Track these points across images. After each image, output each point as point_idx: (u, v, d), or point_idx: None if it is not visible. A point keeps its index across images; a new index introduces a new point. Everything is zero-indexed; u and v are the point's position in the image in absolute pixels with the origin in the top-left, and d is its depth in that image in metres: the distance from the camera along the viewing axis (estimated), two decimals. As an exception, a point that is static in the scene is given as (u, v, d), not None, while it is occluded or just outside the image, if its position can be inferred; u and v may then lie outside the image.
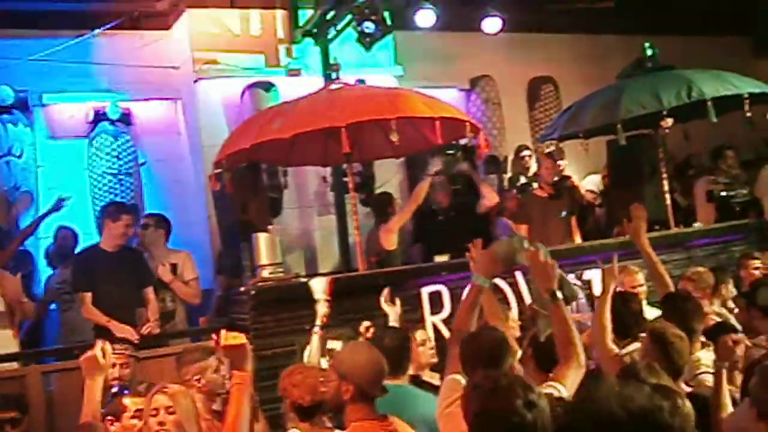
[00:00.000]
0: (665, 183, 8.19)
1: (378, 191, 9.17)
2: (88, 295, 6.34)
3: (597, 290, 6.90)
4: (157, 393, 3.85)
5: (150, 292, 6.60)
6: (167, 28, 9.30)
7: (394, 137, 5.81)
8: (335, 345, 5.18)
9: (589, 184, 10.00)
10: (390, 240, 7.80)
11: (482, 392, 2.72)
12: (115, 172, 8.95)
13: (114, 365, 5.21)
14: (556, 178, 8.33)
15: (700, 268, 6.48)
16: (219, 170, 6.49)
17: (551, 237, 7.73)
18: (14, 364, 6.24)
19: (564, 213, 8.06)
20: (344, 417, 3.69)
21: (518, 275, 6.79)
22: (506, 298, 6.67)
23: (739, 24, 11.90)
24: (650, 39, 8.54)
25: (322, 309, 5.28)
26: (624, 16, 10.54)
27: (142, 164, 9.17)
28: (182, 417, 3.78)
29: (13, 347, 6.42)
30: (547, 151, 8.64)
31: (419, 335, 5.45)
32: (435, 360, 5.40)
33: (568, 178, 9.04)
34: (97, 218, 8.40)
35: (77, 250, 7.64)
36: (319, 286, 5.38)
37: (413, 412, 4.13)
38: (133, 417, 4.15)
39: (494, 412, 2.63)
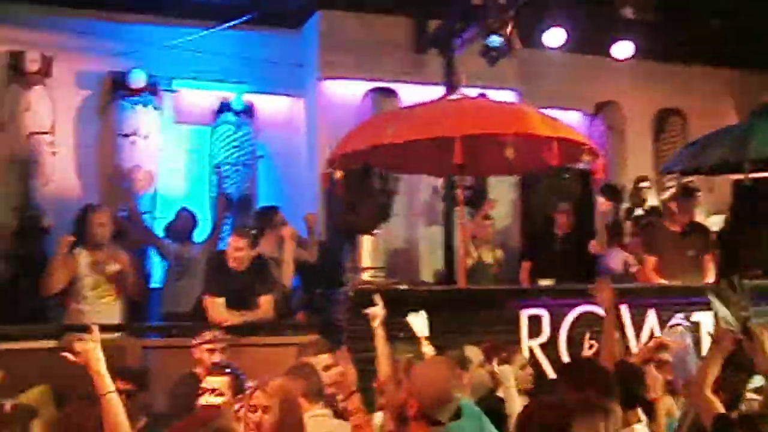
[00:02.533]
0: (791, 230, 7.79)
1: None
2: (219, 301, 6.37)
3: (705, 333, 6.67)
4: (258, 389, 3.84)
5: (265, 301, 6.52)
6: (297, 26, 9.47)
7: (509, 153, 5.72)
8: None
9: (713, 224, 9.61)
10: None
11: None
12: (234, 161, 9.16)
13: (213, 351, 5.35)
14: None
15: None
16: (330, 170, 6.54)
17: (678, 274, 7.48)
18: (116, 335, 6.43)
19: (694, 252, 7.73)
20: None
21: (622, 308, 6.58)
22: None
23: None
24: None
25: (425, 348, 5.14)
26: (762, 50, 10.10)
27: (260, 157, 9.35)
28: (279, 416, 3.74)
29: (118, 320, 6.63)
30: (690, 185, 8.32)
31: (519, 359, 5.34)
32: (531, 386, 5.27)
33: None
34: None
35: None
36: (418, 325, 5.27)
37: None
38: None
39: None
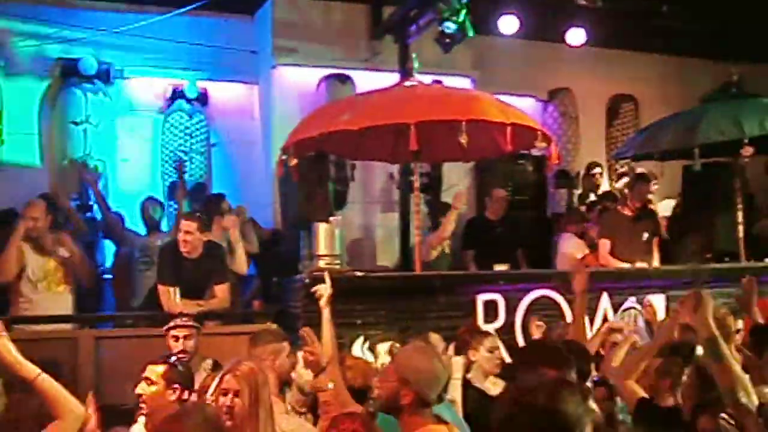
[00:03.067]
0: (739, 214, 7.96)
1: (444, 194, 9.10)
2: (173, 290, 6.23)
3: (659, 316, 6.78)
4: (227, 373, 3.82)
5: (220, 290, 6.40)
6: (251, 12, 9.39)
7: (463, 139, 5.73)
8: (384, 347, 5.16)
9: (664, 209, 9.75)
10: (429, 254, 7.81)
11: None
12: (187, 149, 9.09)
13: (177, 338, 5.31)
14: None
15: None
16: (285, 156, 6.50)
17: (633, 257, 7.62)
18: (69, 327, 6.33)
19: (647, 235, 7.87)
20: (401, 421, 3.55)
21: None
22: (562, 313, 6.56)
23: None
24: (737, 65, 8.31)
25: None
26: (711, 40, 10.26)
27: (213, 145, 9.28)
28: (249, 399, 3.72)
29: (70, 310, 6.52)
30: (639, 171, 8.43)
31: (489, 342, 5.35)
32: (498, 370, 5.30)
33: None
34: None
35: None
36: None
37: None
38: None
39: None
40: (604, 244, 7.77)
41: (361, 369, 4.16)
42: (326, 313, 4.97)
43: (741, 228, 7.94)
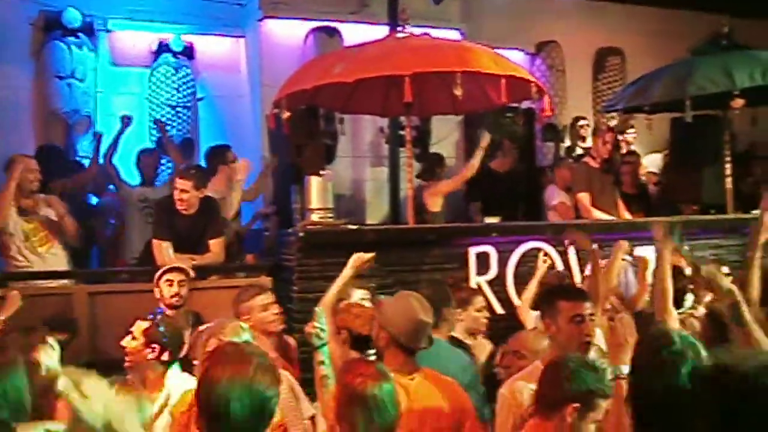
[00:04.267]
0: (728, 167, 8.00)
1: (433, 148, 9.10)
2: (166, 245, 6.20)
3: (650, 267, 6.83)
4: (213, 337, 3.85)
5: (214, 244, 6.38)
6: (237, -37, 9.28)
7: (458, 91, 5.70)
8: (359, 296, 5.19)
9: (650, 164, 9.80)
10: (435, 202, 7.85)
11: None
12: (174, 104, 9.01)
13: (171, 283, 5.32)
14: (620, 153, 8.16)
15: None
16: (277, 110, 6.46)
17: (605, 209, 7.67)
18: (65, 282, 6.31)
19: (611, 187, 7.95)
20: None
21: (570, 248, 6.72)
22: (554, 266, 6.60)
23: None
24: (726, 18, 8.30)
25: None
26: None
27: (200, 99, 9.21)
28: None
29: (64, 266, 6.50)
30: (611, 123, 8.46)
31: (479, 301, 5.40)
32: (483, 329, 5.36)
33: (634, 153, 8.89)
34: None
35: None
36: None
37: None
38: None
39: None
40: (584, 197, 7.79)
41: (368, 317, 4.22)
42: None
43: (729, 180, 7.99)
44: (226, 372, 2.48)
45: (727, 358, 2.18)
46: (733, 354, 2.13)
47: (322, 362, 3.81)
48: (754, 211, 7.93)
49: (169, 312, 5.16)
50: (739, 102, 7.27)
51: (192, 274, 5.66)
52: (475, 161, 7.92)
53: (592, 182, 7.84)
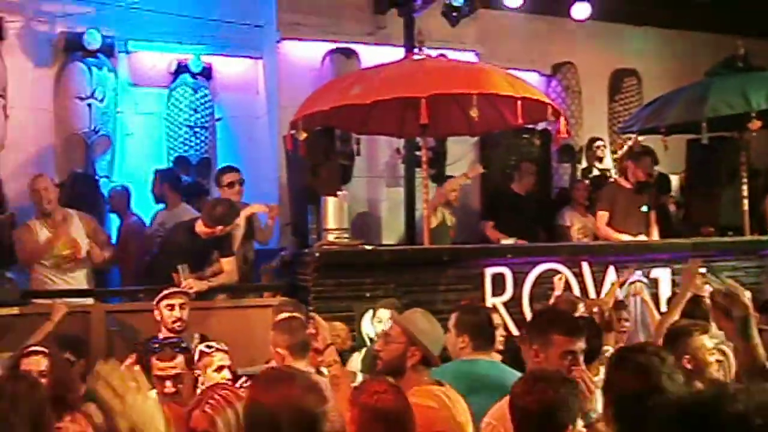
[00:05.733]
0: (744, 188, 7.99)
1: (448, 169, 9.13)
2: (181, 267, 6.15)
3: (664, 289, 6.83)
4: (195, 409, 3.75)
5: (226, 263, 6.42)
6: (255, -15, 9.36)
7: (474, 113, 5.75)
8: (385, 313, 5.22)
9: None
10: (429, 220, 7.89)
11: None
12: (192, 124, 9.06)
13: (172, 307, 5.35)
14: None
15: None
16: (293, 131, 6.51)
17: (631, 229, 7.68)
18: (84, 301, 6.37)
19: (646, 207, 7.93)
20: (403, 382, 3.69)
21: (584, 265, 6.71)
22: (570, 287, 6.60)
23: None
24: (742, 39, 8.30)
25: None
26: (716, 14, 10.24)
27: (218, 120, 9.27)
28: None
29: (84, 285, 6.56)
30: (643, 146, 8.47)
31: (495, 319, 5.38)
32: (501, 347, 5.33)
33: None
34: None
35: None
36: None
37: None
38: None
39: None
40: (602, 216, 7.81)
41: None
42: None
43: (746, 202, 7.97)
44: (273, 394, 2.44)
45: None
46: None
47: (335, 361, 3.86)
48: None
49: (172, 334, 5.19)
50: (756, 124, 7.26)
51: (193, 295, 5.67)
52: (455, 184, 8.08)
53: (617, 201, 7.83)
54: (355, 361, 5.41)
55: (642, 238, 7.72)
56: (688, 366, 4.01)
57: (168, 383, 4.23)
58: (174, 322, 5.40)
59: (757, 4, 9.71)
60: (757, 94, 7.13)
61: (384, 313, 5.41)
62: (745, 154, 8.11)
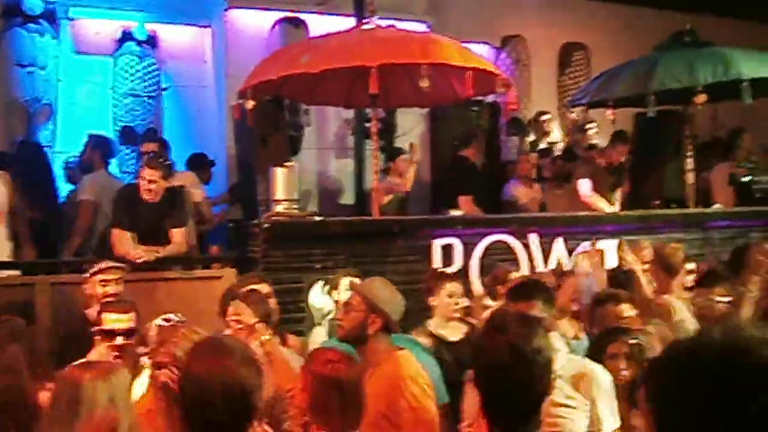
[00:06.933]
0: (689, 161, 8.10)
1: (398, 140, 9.10)
2: (128, 235, 6.06)
3: (610, 260, 6.91)
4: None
5: (177, 233, 6.23)
6: (203, -48, 9.19)
7: (425, 83, 5.71)
8: (345, 281, 5.18)
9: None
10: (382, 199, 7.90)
11: (487, 324, 2.66)
12: (137, 93, 8.90)
13: (107, 282, 5.19)
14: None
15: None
16: (241, 100, 6.41)
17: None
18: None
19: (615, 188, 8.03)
20: (366, 350, 3.79)
21: (532, 237, 6.75)
22: (517, 258, 6.64)
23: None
24: (688, 15, 8.40)
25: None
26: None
27: (165, 89, 9.11)
28: None
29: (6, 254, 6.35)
30: (573, 117, 8.52)
31: (450, 287, 5.31)
32: (456, 315, 5.33)
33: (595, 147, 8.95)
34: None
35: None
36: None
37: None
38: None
39: (479, 345, 2.58)
40: (586, 183, 7.79)
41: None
42: None
43: (691, 175, 8.09)
44: (207, 365, 2.46)
45: None
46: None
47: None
48: (716, 206, 8.10)
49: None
50: (701, 98, 7.34)
51: (127, 268, 5.51)
52: (410, 175, 8.09)
53: (594, 178, 7.86)
54: (318, 334, 5.38)
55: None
56: None
57: (119, 338, 4.14)
58: (106, 297, 5.19)
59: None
60: (704, 69, 7.22)
61: (344, 282, 5.35)
62: (690, 127, 8.22)
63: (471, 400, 3.75)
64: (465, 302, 5.31)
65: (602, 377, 3.56)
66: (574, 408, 3.42)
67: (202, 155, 8.13)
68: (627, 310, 4.39)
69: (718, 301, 4.87)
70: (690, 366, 1.53)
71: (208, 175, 8.08)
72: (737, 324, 2.49)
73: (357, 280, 4.95)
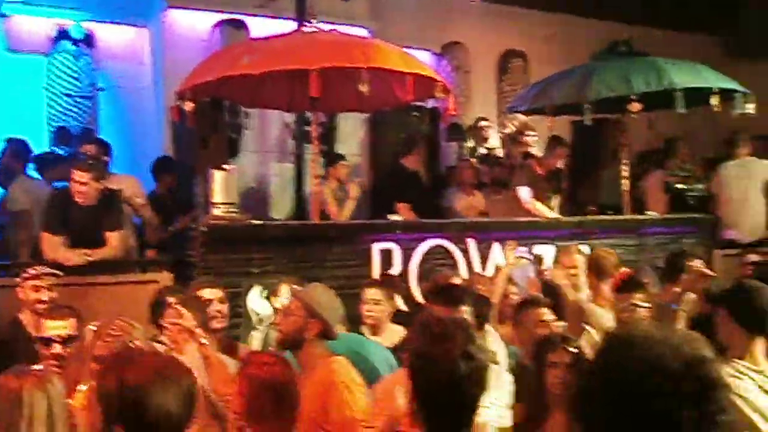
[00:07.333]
0: (624, 169, 8.25)
1: (338, 145, 9.09)
2: (57, 239, 5.93)
3: (547, 265, 6.99)
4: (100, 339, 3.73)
5: (112, 237, 6.11)
6: (142, -49, 9.04)
7: (364, 87, 5.70)
8: (286, 288, 5.15)
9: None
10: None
11: (427, 334, 2.64)
12: (73, 93, 8.74)
13: (38, 288, 5.05)
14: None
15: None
16: (180, 102, 6.32)
17: None
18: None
19: (552, 195, 8.07)
20: (302, 355, 3.80)
21: (470, 242, 6.80)
22: (455, 263, 6.69)
23: (715, 23, 11.96)
24: (625, 27, 8.56)
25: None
26: (602, 2, 10.53)
27: (101, 89, 8.94)
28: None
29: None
30: (512, 124, 8.59)
31: (367, 293, 5.29)
32: (370, 322, 5.28)
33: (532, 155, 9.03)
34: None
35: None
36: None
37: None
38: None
39: (430, 356, 2.51)
40: (527, 191, 7.78)
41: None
42: None
43: (626, 182, 8.24)
44: (141, 373, 2.40)
45: None
46: None
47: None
48: (650, 213, 8.26)
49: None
50: (636, 106, 7.51)
51: (60, 274, 5.36)
52: (346, 212, 8.11)
53: (532, 185, 7.87)
54: (255, 339, 5.33)
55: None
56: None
57: (57, 346, 4.07)
58: (38, 303, 5.05)
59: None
60: (638, 78, 7.36)
61: (284, 289, 5.31)
62: (626, 135, 8.38)
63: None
64: (384, 308, 5.22)
65: None
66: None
67: (168, 159, 8.01)
68: (546, 313, 4.47)
69: (639, 306, 4.96)
70: (590, 369, 1.61)
71: (174, 179, 7.94)
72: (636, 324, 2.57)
73: (297, 287, 4.92)
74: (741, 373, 3.40)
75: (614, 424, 1.55)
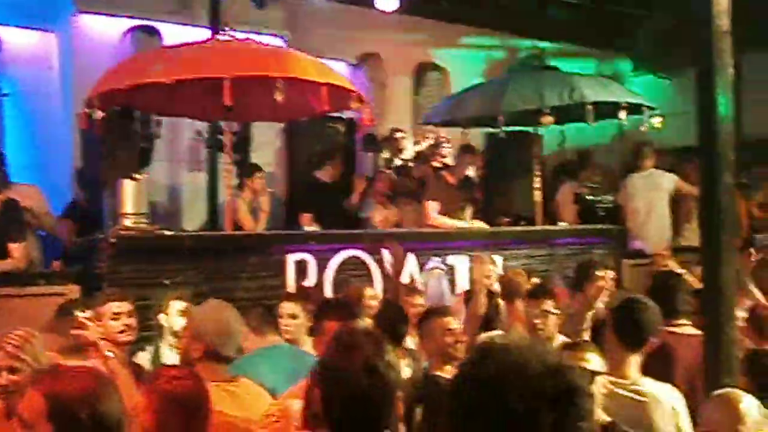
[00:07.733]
0: (537, 180, 8.40)
1: (253, 155, 8.99)
2: None
3: (461, 276, 7.06)
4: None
5: (14, 249, 5.90)
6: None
7: (279, 96, 5.67)
8: (175, 307, 5.04)
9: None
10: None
11: (335, 344, 2.61)
12: (-25, 98, 8.42)
13: None
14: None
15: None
16: (89, 109, 6.16)
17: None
18: None
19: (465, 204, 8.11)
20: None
21: (384, 252, 6.81)
22: (370, 274, 6.69)
23: (615, 40, 12.29)
24: (536, 40, 8.73)
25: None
26: (517, 16, 10.70)
27: (6, 95, 8.64)
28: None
29: None
30: (465, 143, 8.64)
31: (282, 306, 5.22)
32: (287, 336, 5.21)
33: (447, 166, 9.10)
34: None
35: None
36: None
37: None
38: None
39: (333, 367, 2.47)
40: (433, 206, 7.79)
41: None
42: None
43: (538, 193, 8.38)
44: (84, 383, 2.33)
45: None
46: None
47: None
48: (561, 223, 8.43)
49: None
50: (548, 119, 7.65)
51: None
52: (262, 224, 8.10)
53: (441, 195, 7.87)
54: (141, 357, 5.13)
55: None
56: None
57: None
58: None
59: (549, 10, 10.25)
60: (550, 92, 7.52)
61: (173, 306, 5.16)
62: (538, 147, 8.53)
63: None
64: (301, 322, 5.11)
65: None
66: None
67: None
68: (452, 322, 4.45)
69: (550, 313, 5.05)
70: (458, 373, 1.70)
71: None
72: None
73: (184, 304, 4.85)
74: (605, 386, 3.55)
75: (477, 425, 1.57)
